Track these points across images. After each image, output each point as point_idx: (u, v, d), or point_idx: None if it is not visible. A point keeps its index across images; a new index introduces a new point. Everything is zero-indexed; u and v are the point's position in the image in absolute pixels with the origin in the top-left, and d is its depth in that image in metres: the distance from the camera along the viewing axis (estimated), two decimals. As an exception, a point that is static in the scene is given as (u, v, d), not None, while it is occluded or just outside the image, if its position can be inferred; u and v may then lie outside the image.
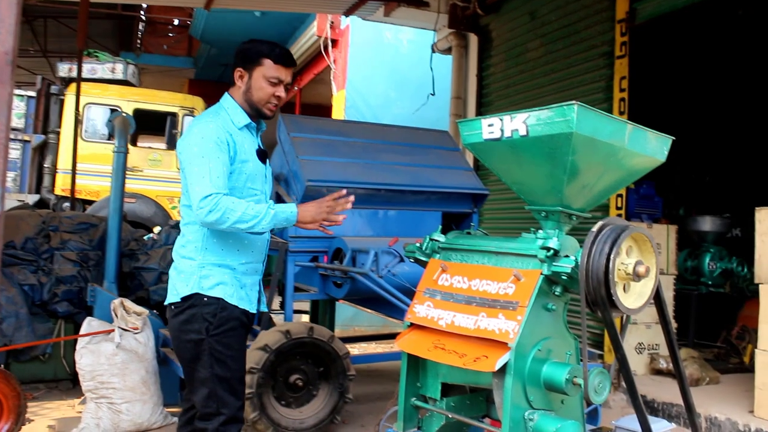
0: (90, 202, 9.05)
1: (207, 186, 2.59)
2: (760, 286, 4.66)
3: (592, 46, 6.05)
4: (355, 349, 6.84)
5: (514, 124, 2.48)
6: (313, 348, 4.33)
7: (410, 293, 4.13)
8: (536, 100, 6.47)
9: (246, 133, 2.85)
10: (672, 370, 5.14)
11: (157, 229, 7.23)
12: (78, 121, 8.23)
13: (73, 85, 8.53)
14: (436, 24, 8.03)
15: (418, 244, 3.03)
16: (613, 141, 2.41)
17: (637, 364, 5.79)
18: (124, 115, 5.50)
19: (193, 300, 2.71)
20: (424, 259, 2.99)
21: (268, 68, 2.81)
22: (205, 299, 2.71)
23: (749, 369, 5.67)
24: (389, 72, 10.01)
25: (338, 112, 9.88)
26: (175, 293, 2.77)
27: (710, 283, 6.96)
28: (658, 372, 5.76)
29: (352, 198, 2.80)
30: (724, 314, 7.13)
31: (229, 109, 2.85)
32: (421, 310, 2.81)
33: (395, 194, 5.01)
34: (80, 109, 8.40)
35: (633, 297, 2.48)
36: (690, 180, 8.31)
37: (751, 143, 7.77)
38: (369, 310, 4.91)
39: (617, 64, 5.65)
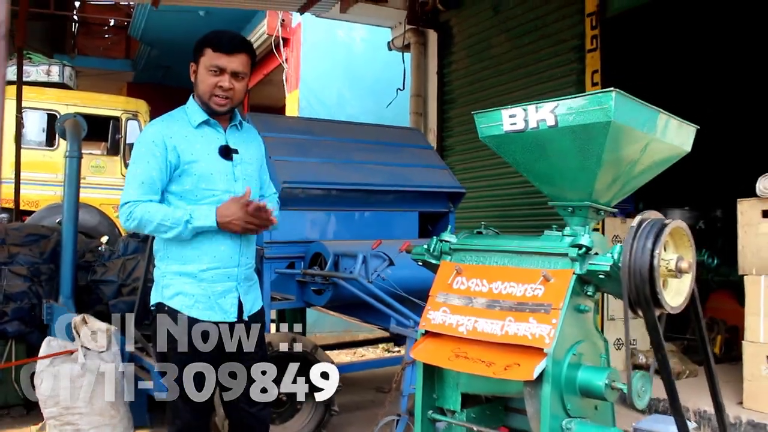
0: (29, 213, 8.49)
1: (126, 193, 2.59)
2: (744, 277, 4.65)
3: (561, 41, 5.97)
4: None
5: (541, 114, 2.31)
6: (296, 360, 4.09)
7: (400, 299, 3.93)
8: (504, 96, 6.36)
9: (205, 131, 2.70)
10: (649, 364, 5.11)
11: (104, 239, 6.83)
12: (21, 126, 7.70)
13: (9, 88, 8.00)
14: (395, 21, 7.86)
15: (425, 246, 2.84)
16: (647, 130, 2.28)
17: (616, 359, 5.73)
18: (75, 117, 5.13)
19: (157, 309, 2.68)
20: (434, 261, 2.80)
21: (208, 57, 2.65)
22: (166, 309, 2.66)
23: (721, 360, 5.72)
24: (343, 71, 9.80)
25: (292, 113, 9.59)
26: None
27: (679, 275, 6.96)
28: (638, 367, 5.71)
29: (275, 221, 2.71)
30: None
31: (188, 107, 2.73)
32: (436, 316, 2.61)
33: (371, 194, 4.81)
34: (20, 113, 7.86)
35: (671, 294, 2.34)
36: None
37: (719, 140, 7.78)
38: (351, 318, 4.68)
39: (588, 57, 5.59)
